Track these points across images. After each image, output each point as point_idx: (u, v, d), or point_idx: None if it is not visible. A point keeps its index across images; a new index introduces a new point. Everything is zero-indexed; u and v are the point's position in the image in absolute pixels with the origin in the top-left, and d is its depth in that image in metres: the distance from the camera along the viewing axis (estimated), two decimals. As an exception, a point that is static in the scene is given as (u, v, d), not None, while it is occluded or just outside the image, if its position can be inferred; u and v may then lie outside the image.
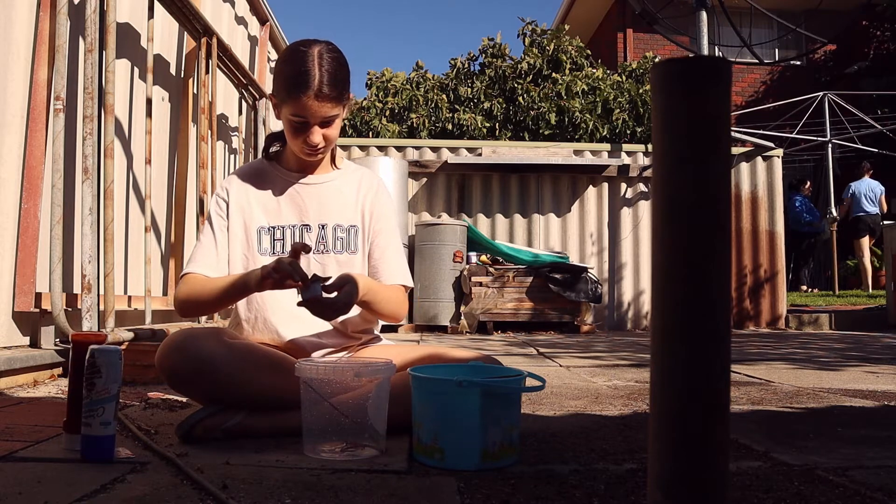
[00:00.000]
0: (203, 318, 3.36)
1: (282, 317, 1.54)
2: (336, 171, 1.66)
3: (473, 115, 9.27)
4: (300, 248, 1.36)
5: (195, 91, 3.51)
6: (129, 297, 2.87)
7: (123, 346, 2.24)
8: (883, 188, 8.68)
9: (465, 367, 1.39)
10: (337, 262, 1.57)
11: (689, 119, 0.59)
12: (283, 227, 1.57)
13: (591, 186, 6.58)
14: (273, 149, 1.66)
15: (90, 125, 2.30)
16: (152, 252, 3.08)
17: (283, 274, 1.31)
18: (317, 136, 1.49)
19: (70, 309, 2.32)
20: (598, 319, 6.28)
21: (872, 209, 8.63)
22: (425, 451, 1.20)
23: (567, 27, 10.46)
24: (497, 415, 1.18)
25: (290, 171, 1.61)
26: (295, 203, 1.58)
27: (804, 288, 9.48)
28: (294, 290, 1.53)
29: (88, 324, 2.23)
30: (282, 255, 1.52)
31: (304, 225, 1.57)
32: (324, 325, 1.55)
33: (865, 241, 8.75)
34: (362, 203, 1.63)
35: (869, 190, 8.67)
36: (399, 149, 6.56)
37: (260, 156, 1.75)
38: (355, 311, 1.56)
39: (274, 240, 1.56)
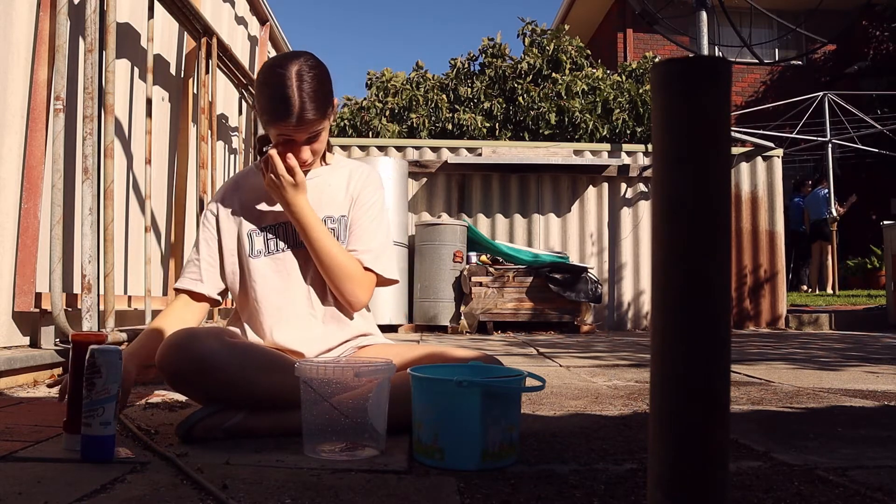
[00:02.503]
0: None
1: (274, 319, 1.54)
2: (325, 167, 1.66)
3: (473, 115, 9.27)
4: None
5: (195, 91, 3.51)
6: (129, 297, 2.87)
7: (123, 347, 2.23)
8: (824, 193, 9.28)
9: (465, 367, 1.39)
10: None
11: (689, 119, 0.59)
12: (274, 226, 1.58)
13: (591, 186, 6.58)
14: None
15: (90, 125, 2.30)
16: (152, 252, 3.08)
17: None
18: (305, 153, 1.51)
19: (70, 309, 2.32)
20: (598, 319, 6.28)
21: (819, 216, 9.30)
22: (425, 451, 1.20)
23: (567, 27, 10.46)
24: (497, 415, 1.18)
25: None
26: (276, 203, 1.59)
27: (804, 288, 9.49)
28: (284, 291, 1.54)
29: (88, 324, 2.23)
30: (277, 254, 1.56)
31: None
32: (315, 329, 1.56)
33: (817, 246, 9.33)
34: (352, 194, 1.63)
35: (813, 200, 9.33)
36: (399, 149, 6.56)
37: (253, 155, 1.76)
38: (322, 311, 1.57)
39: (266, 240, 1.57)
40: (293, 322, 1.55)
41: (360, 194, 1.62)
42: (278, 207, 1.57)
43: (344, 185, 1.63)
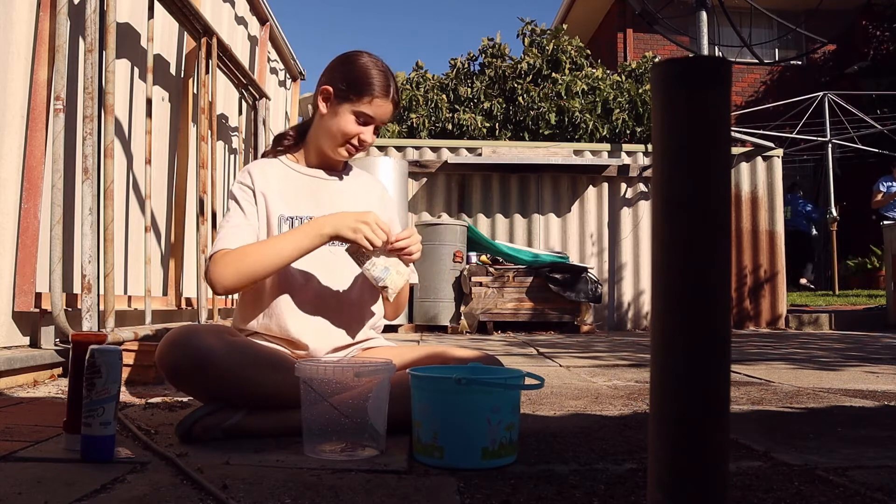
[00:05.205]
0: (203, 317, 3.36)
1: (288, 308, 1.53)
2: (343, 171, 1.71)
3: (473, 115, 9.26)
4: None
5: (195, 91, 3.51)
6: (129, 297, 2.87)
7: (123, 347, 2.24)
8: None
9: (464, 369, 1.39)
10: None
11: (689, 119, 0.59)
12: (301, 218, 1.57)
13: (591, 186, 6.58)
14: (286, 142, 1.68)
15: (90, 125, 2.30)
16: (152, 252, 3.08)
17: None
18: (370, 135, 1.58)
19: (70, 309, 2.32)
20: (598, 319, 6.28)
21: None
22: (425, 450, 1.20)
23: (567, 27, 10.45)
24: (496, 413, 1.18)
25: (303, 167, 1.65)
26: (312, 196, 1.61)
27: (803, 281, 9.44)
28: (302, 284, 1.53)
29: (88, 324, 2.23)
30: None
31: None
32: (325, 325, 1.55)
33: None
34: (368, 203, 1.66)
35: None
36: (399, 149, 6.56)
37: (261, 154, 1.76)
38: (378, 308, 1.65)
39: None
40: (304, 314, 1.53)
41: (385, 213, 1.68)
42: (307, 202, 1.59)
43: (363, 192, 1.69)
